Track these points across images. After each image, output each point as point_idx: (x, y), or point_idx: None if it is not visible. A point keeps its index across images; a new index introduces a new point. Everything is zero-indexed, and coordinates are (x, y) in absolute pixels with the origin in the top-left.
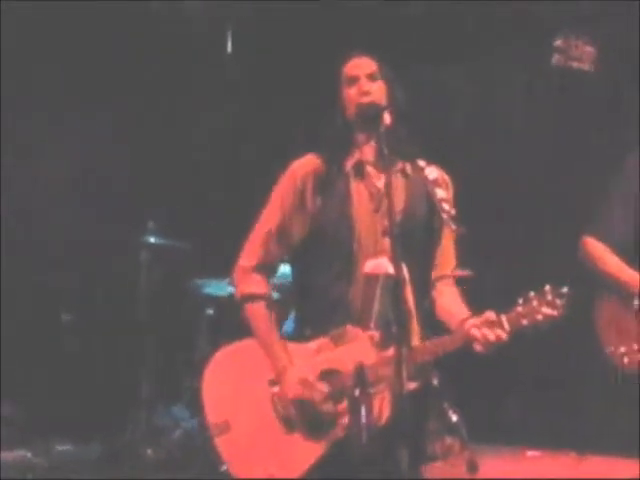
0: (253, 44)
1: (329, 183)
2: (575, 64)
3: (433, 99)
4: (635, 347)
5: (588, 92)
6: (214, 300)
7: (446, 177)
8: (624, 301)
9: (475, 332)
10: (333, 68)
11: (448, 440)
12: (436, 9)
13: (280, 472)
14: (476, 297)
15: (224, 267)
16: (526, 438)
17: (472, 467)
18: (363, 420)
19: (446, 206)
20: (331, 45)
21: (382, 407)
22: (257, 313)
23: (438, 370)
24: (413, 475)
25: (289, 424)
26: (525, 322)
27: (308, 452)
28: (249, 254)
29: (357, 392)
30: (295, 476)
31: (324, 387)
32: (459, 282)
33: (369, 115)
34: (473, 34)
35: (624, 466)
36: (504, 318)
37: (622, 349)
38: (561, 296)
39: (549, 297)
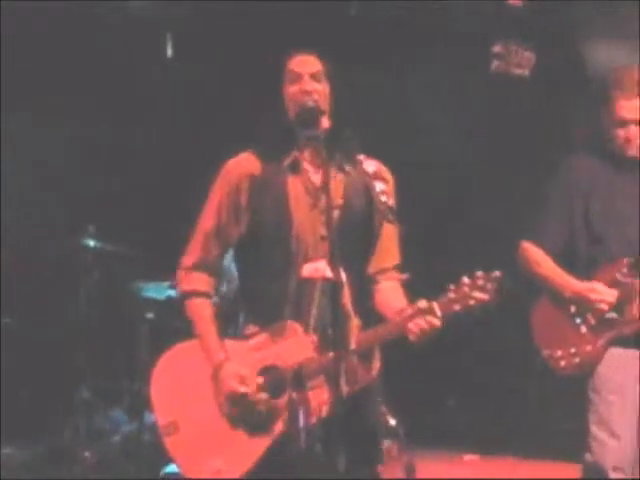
0: (193, 45)
1: (265, 181)
2: (515, 70)
3: (369, 100)
4: (572, 350)
5: (524, 94)
6: (154, 304)
7: (385, 170)
8: (560, 305)
9: (408, 321)
10: (272, 67)
11: (386, 443)
12: (372, 10)
13: (228, 468)
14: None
15: (164, 271)
16: (464, 442)
17: (410, 470)
18: (300, 419)
19: (385, 198)
20: (271, 45)
21: (320, 407)
22: (196, 310)
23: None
24: (355, 477)
25: (233, 421)
26: (457, 307)
27: (253, 448)
28: (189, 253)
29: (294, 394)
30: (243, 472)
31: (260, 381)
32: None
33: (308, 117)
34: (406, 37)
35: (560, 470)
36: (436, 305)
37: (559, 352)
38: (493, 280)
39: (480, 282)
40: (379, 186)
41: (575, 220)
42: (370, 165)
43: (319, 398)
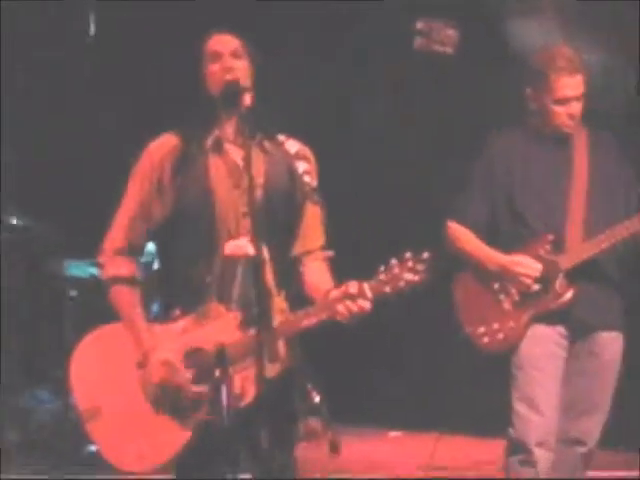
0: (115, 25)
1: (187, 161)
2: (437, 47)
3: (293, 81)
4: (495, 327)
5: (450, 75)
6: (77, 282)
7: (307, 150)
8: (483, 281)
9: (337, 304)
10: (196, 46)
11: (311, 421)
12: None
13: (151, 453)
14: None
15: (87, 249)
16: (389, 419)
17: (334, 448)
18: (224, 401)
19: (308, 178)
20: (196, 24)
21: (245, 387)
22: (121, 295)
23: (301, 351)
24: (278, 457)
25: (157, 406)
26: (388, 289)
27: (177, 434)
28: (113, 237)
29: (217, 372)
30: (167, 458)
31: (188, 369)
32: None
33: (230, 94)
34: (327, 16)
35: (483, 446)
36: (366, 287)
37: (482, 329)
38: (422, 261)
39: (410, 263)
40: (302, 166)
41: (497, 197)
42: (292, 145)
43: (244, 382)
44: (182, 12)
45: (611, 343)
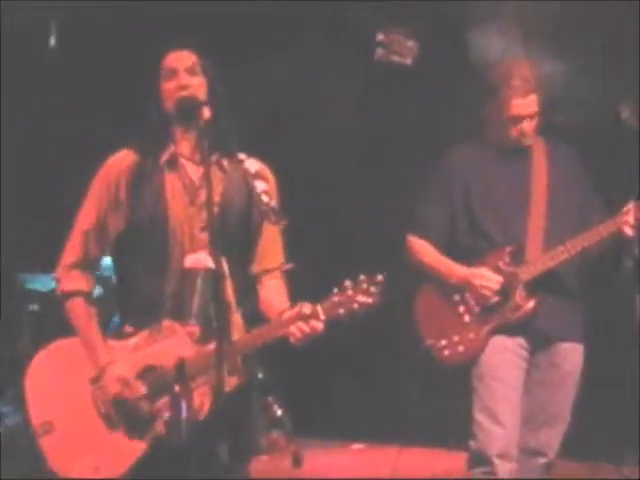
0: (77, 37)
1: (144, 177)
2: (397, 58)
3: (258, 95)
4: (455, 339)
5: (411, 87)
6: (38, 295)
7: (267, 169)
8: (444, 294)
9: (291, 324)
10: (155, 62)
11: (274, 434)
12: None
13: (104, 472)
14: (299, 288)
15: (49, 262)
16: (352, 432)
17: (297, 461)
18: (183, 415)
19: (266, 198)
20: (154, 38)
21: (202, 402)
22: (77, 310)
23: (263, 364)
24: (235, 470)
25: (111, 422)
26: (341, 311)
27: (130, 450)
28: (69, 251)
29: (177, 387)
30: (119, 473)
31: (142, 385)
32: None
33: (187, 109)
34: (297, 30)
35: (445, 457)
36: (320, 308)
37: (442, 342)
38: (376, 284)
39: (364, 285)
40: (260, 186)
41: (456, 210)
42: (252, 164)
43: (201, 398)
44: (143, 26)
45: (571, 354)
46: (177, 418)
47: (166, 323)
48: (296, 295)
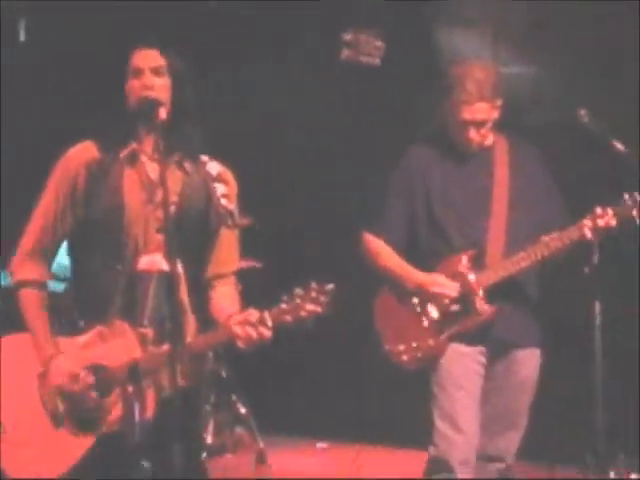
0: (47, 32)
1: (102, 171)
2: (364, 59)
3: (230, 97)
4: (413, 345)
5: (377, 87)
6: (1, 291)
7: (229, 173)
8: (401, 297)
9: (237, 329)
10: (124, 59)
11: (238, 431)
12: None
13: (48, 469)
14: (262, 289)
15: (8, 257)
16: (316, 430)
17: (261, 458)
18: (136, 416)
19: (225, 202)
20: (126, 34)
21: (148, 403)
22: (27, 300)
23: (226, 362)
24: (187, 471)
25: (56, 419)
26: (289, 319)
27: (74, 448)
28: (24, 241)
29: (130, 388)
30: (62, 471)
31: (89, 378)
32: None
33: (145, 108)
34: (254, 26)
35: (407, 456)
36: (267, 315)
37: (400, 347)
38: (325, 293)
39: (313, 294)
40: (220, 189)
41: (416, 211)
42: (213, 167)
43: (147, 398)
44: (115, 22)
45: (529, 360)
46: (130, 419)
47: (117, 323)
48: (262, 296)
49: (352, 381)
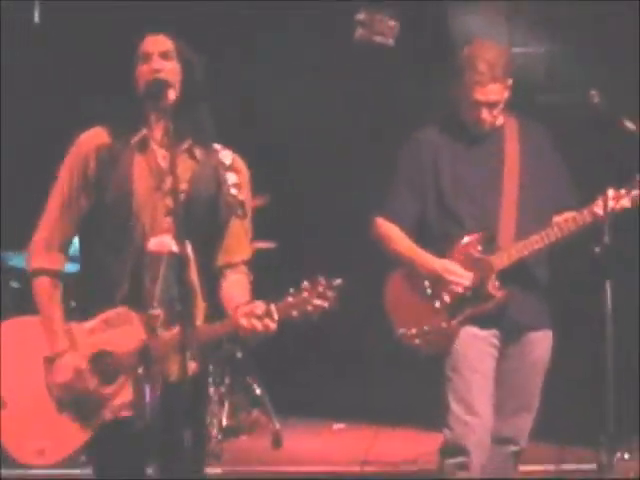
0: (61, 14)
1: (113, 157)
2: (378, 38)
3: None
4: (426, 328)
5: (390, 67)
6: (19, 273)
7: (241, 162)
8: (414, 282)
9: (242, 321)
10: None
11: (254, 413)
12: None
13: (51, 449)
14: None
15: (29, 239)
16: (333, 411)
17: (277, 440)
18: (147, 399)
19: (235, 192)
20: (139, 19)
21: (155, 387)
22: (41, 289)
23: (242, 344)
24: (195, 455)
25: (60, 404)
26: (295, 313)
27: (76, 434)
28: (41, 228)
29: (140, 371)
30: (65, 454)
31: (93, 376)
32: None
33: (154, 90)
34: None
35: (422, 438)
36: (274, 308)
37: (413, 331)
38: (333, 288)
39: (320, 288)
40: (231, 178)
41: (426, 194)
42: (226, 156)
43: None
44: (127, 8)
45: (541, 341)
46: (141, 402)
47: (123, 310)
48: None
49: (369, 362)
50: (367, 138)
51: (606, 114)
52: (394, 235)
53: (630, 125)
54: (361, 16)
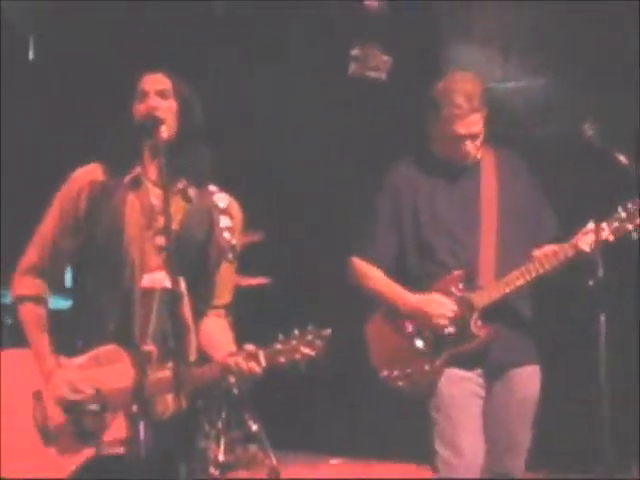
0: (55, 50)
1: (105, 194)
2: (372, 74)
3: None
4: (408, 370)
5: (383, 101)
6: (12, 308)
7: (236, 206)
8: (394, 322)
9: (231, 364)
10: (133, 79)
11: (250, 449)
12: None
13: None
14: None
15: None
16: (331, 446)
17: (274, 475)
18: (141, 436)
19: (228, 236)
20: (135, 54)
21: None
22: (26, 315)
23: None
24: None
25: (47, 437)
26: (282, 360)
27: (62, 468)
28: (26, 257)
29: (134, 408)
30: None
31: (90, 389)
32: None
33: (146, 127)
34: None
35: (414, 471)
36: (262, 353)
37: (395, 373)
38: (321, 338)
39: (309, 337)
40: (224, 222)
41: (404, 230)
42: (221, 199)
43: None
44: (122, 45)
45: (528, 378)
46: (136, 439)
47: (113, 347)
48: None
49: (365, 397)
50: (368, 170)
51: (599, 147)
52: (372, 274)
53: (622, 159)
54: (355, 51)
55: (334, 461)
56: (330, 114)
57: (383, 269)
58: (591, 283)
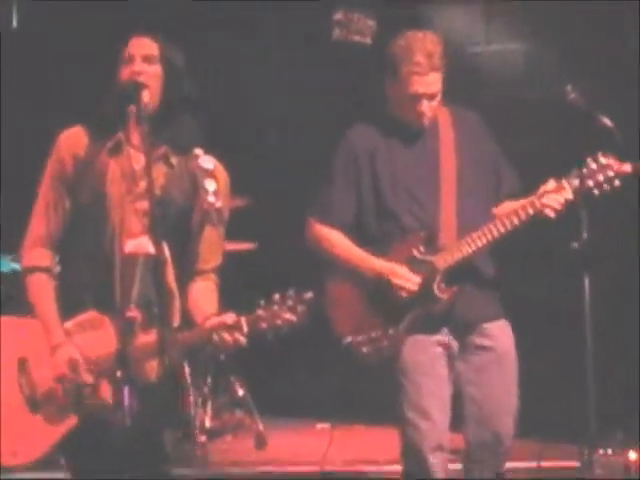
0: (40, 19)
1: (89, 159)
2: (356, 38)
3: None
4: (372, 335)
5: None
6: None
7: (221, 169)
8: (356, 287)
9: (213, 332)
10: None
11: (237, 414)
12: None
13: (23, 450)
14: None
15: (9, 243)
16: (316, 411)
17: (261, 441)
18: (126, 401)
19: (212, 199)
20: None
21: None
22: (35, 286)
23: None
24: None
25: (33, 405)
26: (264, 326)
27: (48, 434)
28: (32, 227)
29: (119, 373)
30: (39, 454)
31: (91, 373)
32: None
33: (128, 91)
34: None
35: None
36: (243, 320)
37: (359, 338)
38: (303, 302)
39: (290, 302)
40: (209, 185)
41: (362, 193)
42: (206, 161)
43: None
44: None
45: (499, 333)
46: (120, 404)
47: (93, 313)
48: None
49: (352, 361)
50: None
51: (583, 109)
52: (333, 238)
53: (606, 121)
54: (338, 16)
55: (321, 425)
56: (316, 78)
57: (344, 233)
58: (575, 245)
